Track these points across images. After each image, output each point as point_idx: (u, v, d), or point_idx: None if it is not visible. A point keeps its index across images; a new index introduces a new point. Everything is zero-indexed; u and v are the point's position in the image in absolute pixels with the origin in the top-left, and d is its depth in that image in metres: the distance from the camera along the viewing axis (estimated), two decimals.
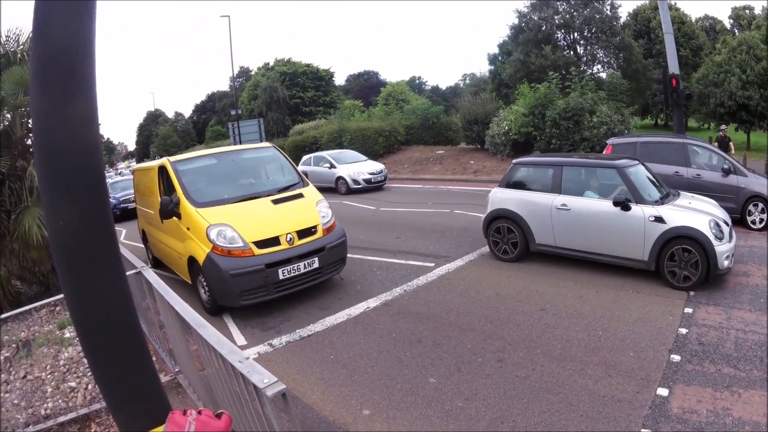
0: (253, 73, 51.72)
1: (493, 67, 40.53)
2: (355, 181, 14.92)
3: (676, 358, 3.87)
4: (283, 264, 5.25)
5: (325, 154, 16.62)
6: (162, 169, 6.27)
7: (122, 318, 1.97)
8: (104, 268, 1.90)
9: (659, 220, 5.23)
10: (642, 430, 3.03)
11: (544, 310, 4.94)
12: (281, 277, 5.22)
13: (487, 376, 3.74)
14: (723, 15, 71.46)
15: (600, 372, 3.71)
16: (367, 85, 51.85)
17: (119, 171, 51.84)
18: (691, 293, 5.13)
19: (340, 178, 15.17)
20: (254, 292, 5.11)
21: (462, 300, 5.42)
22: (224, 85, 68.62)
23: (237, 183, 6.20)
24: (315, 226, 5.69)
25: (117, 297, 1.95)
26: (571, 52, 34.15)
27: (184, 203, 5.55)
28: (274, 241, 5.32)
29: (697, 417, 3.12)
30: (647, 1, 38.19)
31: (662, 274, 5.29)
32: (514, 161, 7.00)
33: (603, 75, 32.06)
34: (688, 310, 4.75)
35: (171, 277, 6.78)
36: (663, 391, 3.40)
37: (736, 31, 42.75)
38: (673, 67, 11.36)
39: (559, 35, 34.32)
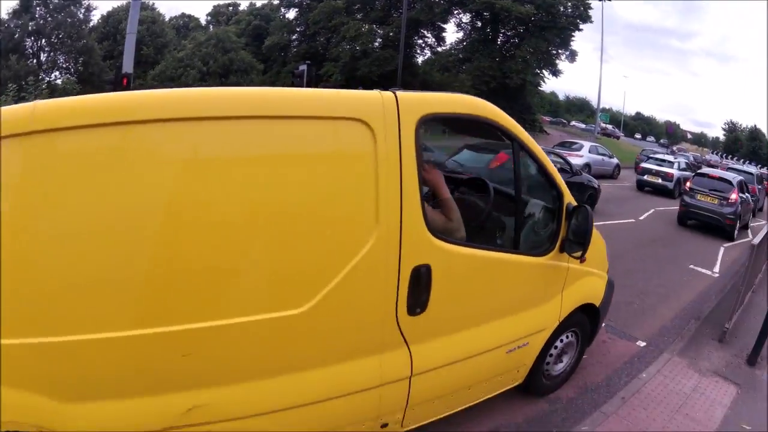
0: None
1: None
2: None
3: None
4: None
5: None
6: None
7: None
8: None
9: None
10: None
11: None
12: None
13: None
14: (202, 13, 70.68)
15: None
16: None
17: None
18: None
19: None
20: None
21: None
22: None
23: None
24: None
25: None
26: (35, 61, 31.65)
27: None
28: None
29: None
30: (123, 3, 37.09)
31: None
32: None
33: (59, 81, 31.20)
34: None
35: None
36: None
37: (212, 27, 45.70)
38: (128, 66, 11.31)
39: (29, 42, 31.36)
